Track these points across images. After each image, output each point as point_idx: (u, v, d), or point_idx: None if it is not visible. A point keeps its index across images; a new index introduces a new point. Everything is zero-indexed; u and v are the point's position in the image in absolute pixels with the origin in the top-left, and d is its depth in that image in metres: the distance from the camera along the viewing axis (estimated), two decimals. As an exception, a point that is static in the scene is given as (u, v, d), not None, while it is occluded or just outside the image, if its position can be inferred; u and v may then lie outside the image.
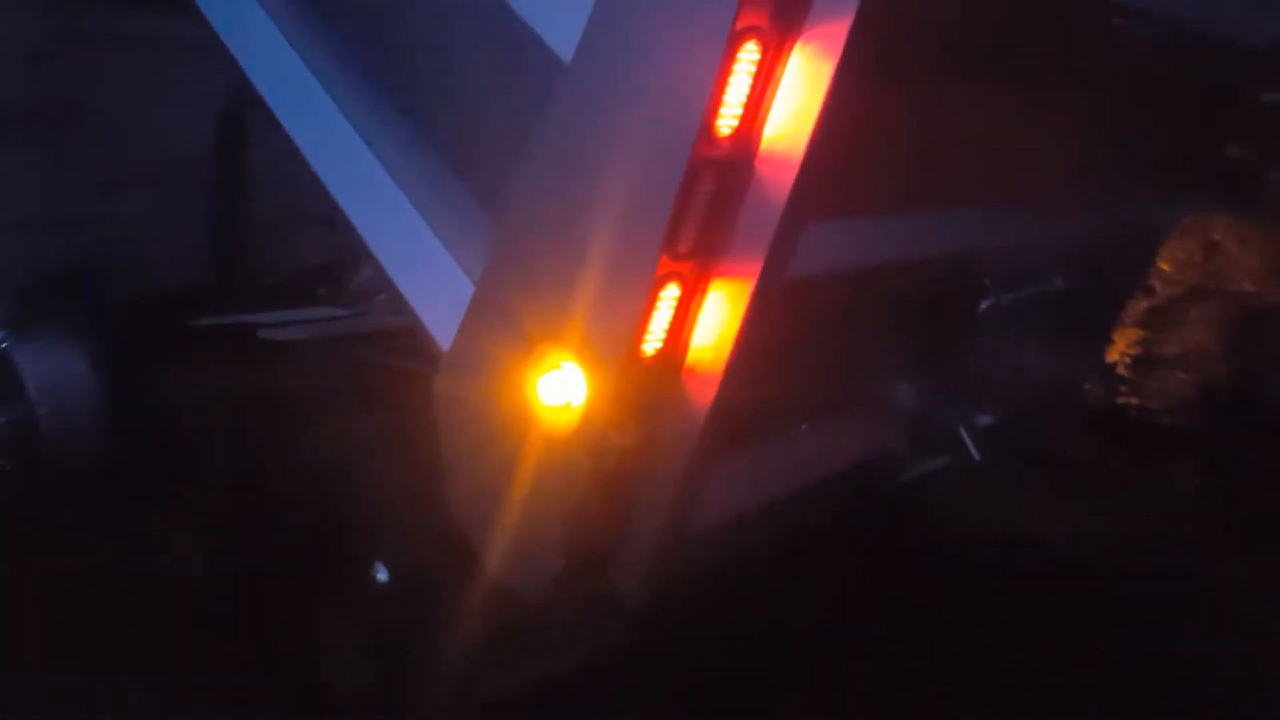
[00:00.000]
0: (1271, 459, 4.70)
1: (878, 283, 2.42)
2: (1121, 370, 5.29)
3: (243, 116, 4.70)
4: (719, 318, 2.03)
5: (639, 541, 2.21)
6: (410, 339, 3.27)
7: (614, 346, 2.02)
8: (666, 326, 2.03)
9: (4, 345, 4.06)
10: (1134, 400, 5.30)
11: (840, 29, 1.72)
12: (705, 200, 1.90)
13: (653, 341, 2.03)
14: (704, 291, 2.02)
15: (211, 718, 3.05)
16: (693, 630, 2.76)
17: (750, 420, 2.22)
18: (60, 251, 4.39)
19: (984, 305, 2.84)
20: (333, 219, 5.20)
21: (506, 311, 2.19)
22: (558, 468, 2.13)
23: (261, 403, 3.42)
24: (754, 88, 1.81)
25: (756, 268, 1.94)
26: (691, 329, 2.05)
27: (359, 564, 2.85)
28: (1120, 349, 5.13)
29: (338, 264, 5.40)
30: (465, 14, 2.25)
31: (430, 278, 2.45)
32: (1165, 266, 5.15)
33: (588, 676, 2.63)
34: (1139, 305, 5.11)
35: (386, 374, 3.17)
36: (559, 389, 2.11)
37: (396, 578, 2.71)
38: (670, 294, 1.99)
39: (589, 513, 2.14)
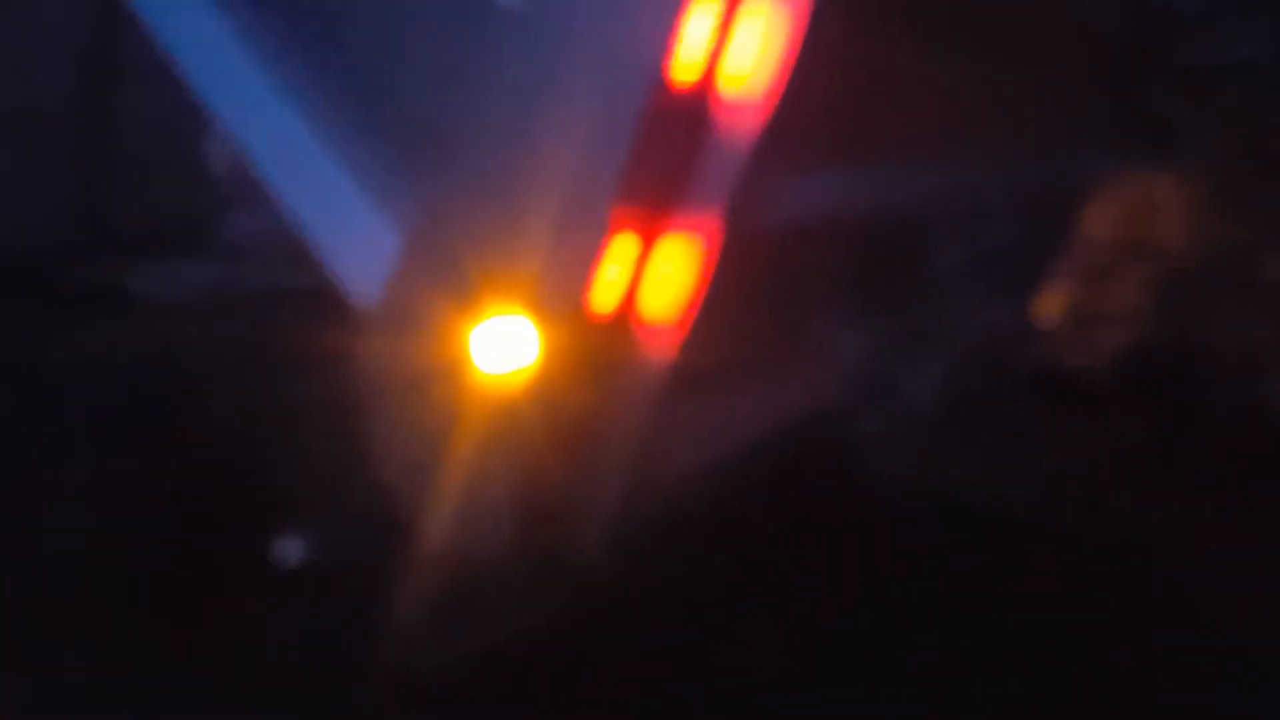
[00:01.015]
0: (1200, 410, 5.10)
1: (833, 237, 2.57)
2: (1057, 327, 5.63)
3: (104, 59, 4.60)
4: (676, 271, 2.15)
5: (592, 500, 2.32)
6: (307, 298, 3.31)
7: (566, 301, 2.12)
8: (621, 279, 2.14)
9: None
10: (1071, 359, 5.66)
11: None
12: (661, 148, 2.01)
13: (607, 294, 2.14)
14: (659, 243, 2.13)
15: (118, 698, 3.04)
16: (644, 589, 2.90)
17: (706, 374, 2.35)
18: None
19: (934, 261, 3.03)
20: (208, 164, 5.17)
21: (442, 266, 2.26)
22: (503, 428, 2.23)
23: (149, 370, 3.38)
24: (715, 30, 1.92)
25: (715, 219, 2.06)
26: (648, 282, 2.16)
27: (275, 541, 2.90)
28: (1056, 306, 5.47)
29: (205, 214, 5.34)
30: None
31: (351, 229, 2.49)
32: (1098, 226, 5.49)
33: (539, 640, 2.74)
34: (1073, 263, 5.44)
35: (282, 335, 3.19)
36: (506, 345, 2.20)
37: (320, 551, 2.77)
38: (624, 245, 2.10)
39: (540, 472, 2.25)
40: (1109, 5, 2.94)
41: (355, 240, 2.47)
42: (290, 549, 2.86)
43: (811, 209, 2.40)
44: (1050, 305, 5.34)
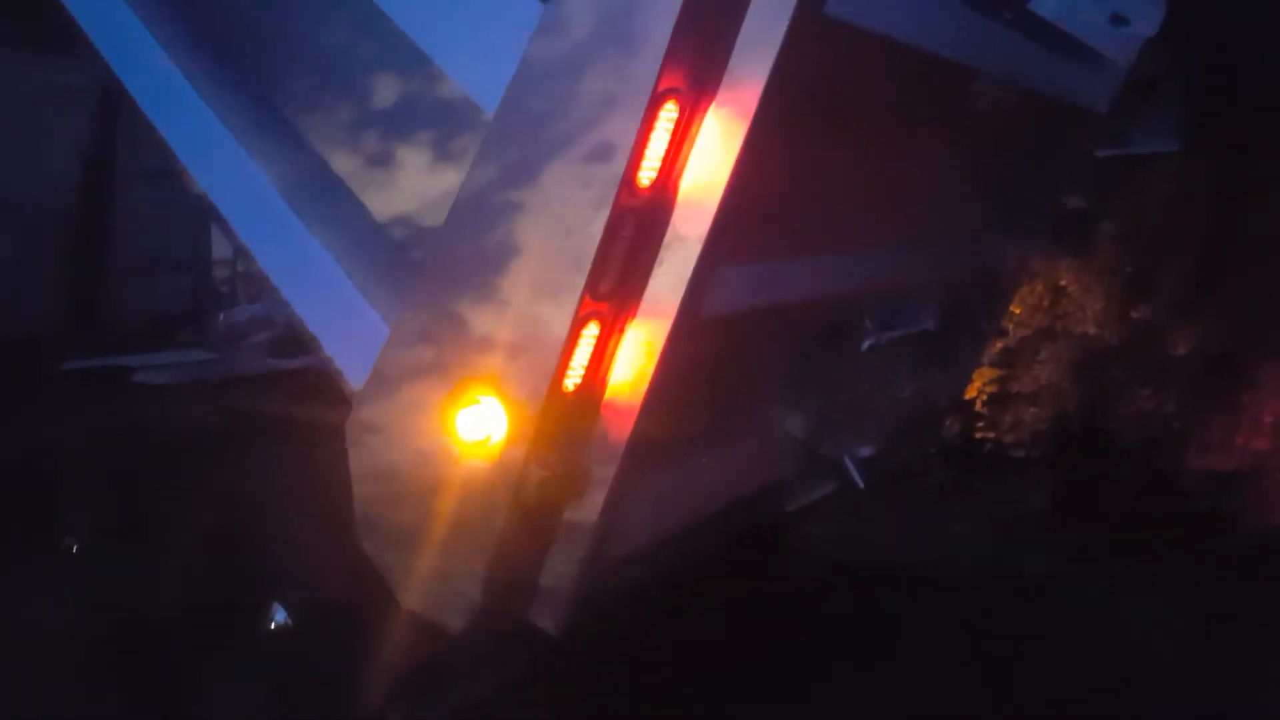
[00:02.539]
0: (1109, 482, 5.23)
1: (779, 322, 2.66)
2: (979, 405, 5.76)
3: (106, 162, 4.65)
4: (636, 355, 2.20)
5: (558, 572, 2.34)
6: (295, 381, 3.32)
7: (535, 382, 2.16)
8: (586, 363, 2.19)
9: None
10: (990, 433, 5.78)
11: (752, 93, 1.96)
12: (626, 245, 2.08)
13: (573, 377, 2.19)
14: (622, 330, 2.19)
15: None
16: (603, 653, 2.90)
17: (663, 451, 2.40)
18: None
19: (865, 343, 3.12)
20: (197, 265, 5.17)
21: (425, 350, 2.30)
22: (478, 501, 2.25)
23: (141, 446, 3.36)
24: (672, 143, 2.02)
25: (673, 308, 2.13)
26: (610, 365, 2.21)
27: (258, 607, 2.87)
28: (978, 385, 5.60)
29: (200, 309, 5.34)
30: (386, 63, 2.38)
31: (342, 317, 2.53)
32: (1017, 310, 5.66)
33: (503, 702, 2.72)
34: (994, 345, 5.59)
35: (275, 414, 3.20)
36: (479, 423, 2.23)
37: (301, 617, 2.74)
38: (591, 332, 2.16)
39: (509, 544, 2.26)
40: (1015, 102, 3.08)
41: (346, 327, 2.50)
42: (273, 615, 2.83)
43: (757, 297, 2.48)
44: (973, 385, 5.48)
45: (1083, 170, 4.38)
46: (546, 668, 2.65)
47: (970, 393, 5.49)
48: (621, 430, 2.24)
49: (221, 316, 4.83)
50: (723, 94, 2.00)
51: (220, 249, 4.92)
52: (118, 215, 4.68)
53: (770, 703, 3.32)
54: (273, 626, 2.86)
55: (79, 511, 3.48)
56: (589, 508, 2.28)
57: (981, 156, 3.21)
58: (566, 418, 2.21)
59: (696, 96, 2.00)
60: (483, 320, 2.19)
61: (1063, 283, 5.68)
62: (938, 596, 4.07)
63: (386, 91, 2.42)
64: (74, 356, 4.09)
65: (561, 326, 2.11)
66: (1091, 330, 5.61)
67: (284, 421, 3.09)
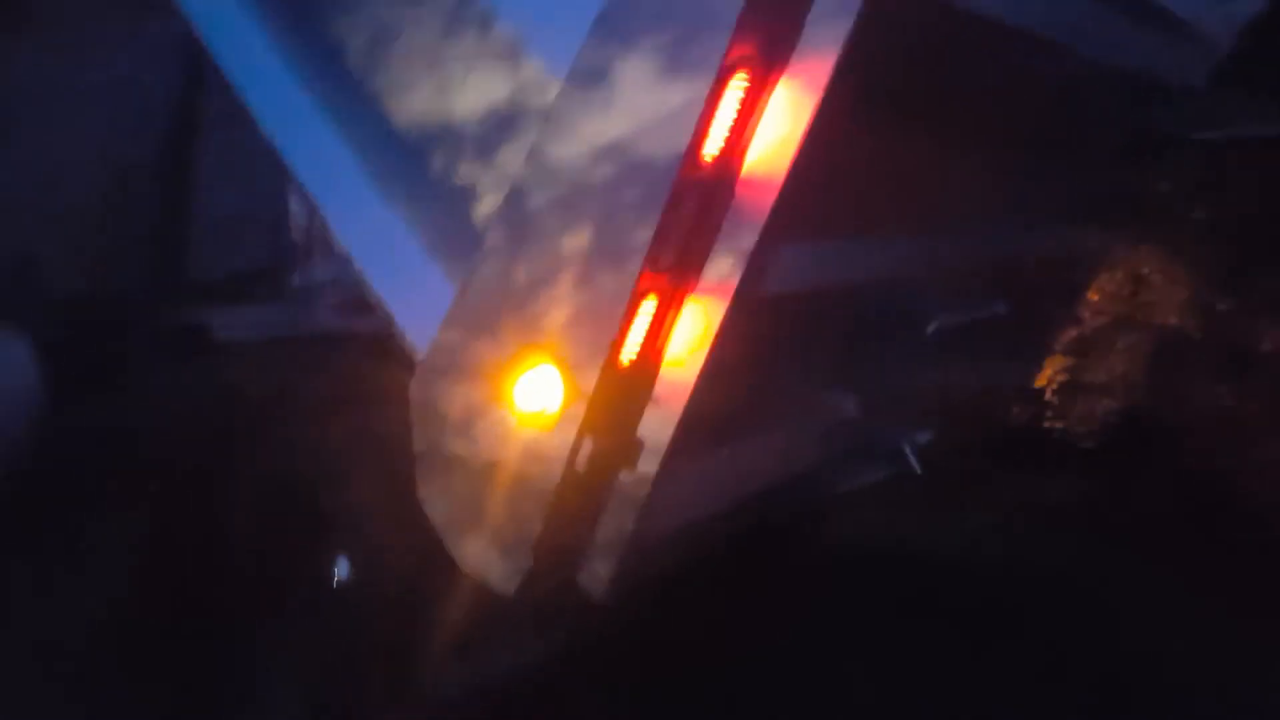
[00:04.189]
0: (1187, 485, 5.03)
1: (840, 302, 2.61)
2: (1049, 395, 5.59)
3: (194, 117, 4.75)
4: (693, 330, 2.18)
5: (607, 541, 2.34)
6: (367, 342, 3.37)
7: (592, 354, 2.16)
8: (643, 337, 2.17)
9: (-58, 338, 4.02)
10: (1059, 424, 5.61)
11: (825, 65, 1.90)
12: (687, 219, 2.05)
13: (629, 350, 2.17)
14: (680, 305, 2.17)
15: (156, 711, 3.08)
16: (650, 625, 2.92)
17: (717, 427, 2.38)
18: (3, 244, 4.37)
19: (931, 326, 3.04)
20: (276, 221, 5.27)
21: (487, 317, 2.31)
22: (533, 469, 2.26)
23: (219, 402, 3.46)
24: (740, 115, 1.98)
25: (732, 284, 2.10)
26: (667, 340, 2.19)
27: (324, 560, 2.94)
28: (1049, 374, 5.43)
29: (277, 266, 5.46)
30: (460, 28, 2.38)
31: (409, 281, 2.56)
32: (1094, 297, 5.47)
33: (551, 667, 2.76)
34: (1068, 333, 5.41)
35: (344, 375, 3.26)
36: (536, 393, 2.24)
37: (362, 572, 2.80)
38: (649, 306, 2.14)
39: (562, 512, 2.27)
40: (1102, 81, 2.95)
41: (414, 292, 2.53)
42: (337, 569, 2.90)
43: (819, 276, 2.43)
44: (1035, 372, 5.32)
45: (1174, 154, 4.20)
46: (594, 635, 2.67)
47: (1040, 381, 5.34)
48: (676, 404, 2.22)
49: (297, 275, 4.94)
50: (794, 65, 1.95)
51: (297, 208, 5.01)
52: (202, 171, 4.78)
53: (808, 681, 3.31)
54: (335, 581, 2.93)
55: (157, 463, 3.60)
56: (641, 480, 2.27)
57: (1063, 137, 3.09)
58: (622, 390, 2.20)
59: (767, 68, 1.95)
60: (543, 290, 2.19)
61: (1145, 271, 5.47)
62: (985, 589, 3.98)
63: (458, 57, 2.42)
64: (158, 311, 4.23)
65: (620, 299, 2.10)
66: (1173, 321, 5.39)
67: (352, 381, 3.14)
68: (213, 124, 4.76)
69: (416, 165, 2.54)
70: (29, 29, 4.34)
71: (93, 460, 3.80)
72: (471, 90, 2.42)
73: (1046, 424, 5.47)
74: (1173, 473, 5.00)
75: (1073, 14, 2.68)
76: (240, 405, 3.39)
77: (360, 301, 2.95)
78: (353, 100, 2.61)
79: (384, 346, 2.68)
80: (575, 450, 2.20)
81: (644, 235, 2.05)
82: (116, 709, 3.04)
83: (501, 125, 2.35)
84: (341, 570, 2.91)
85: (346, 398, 3.04)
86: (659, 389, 2.23)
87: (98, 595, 3.52)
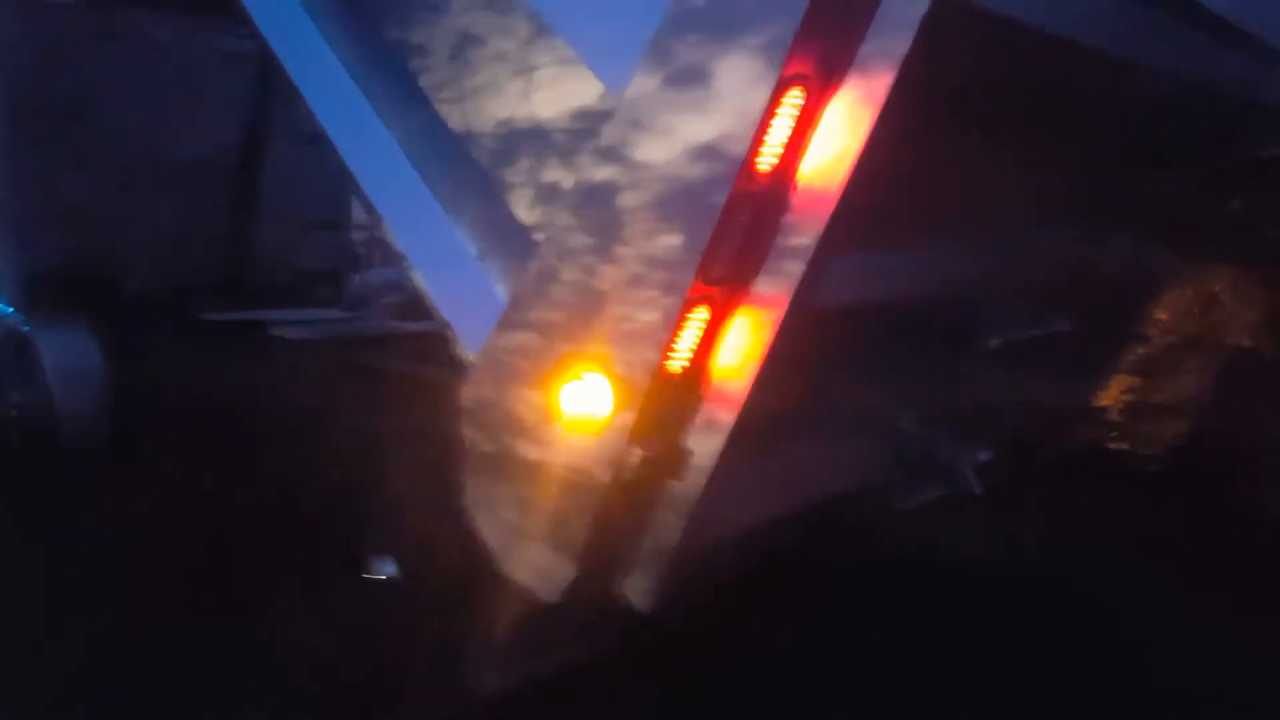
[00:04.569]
0: (1255, 511, 4.87)
1: (896, 315, 2.58)
2: (1114, 415, 5.45)
3: (264, 124, 4.88)
4: (744, 341, 2.17)
5: (652, 550, 2.34)
6: (418, 344, 3.42)
7: (642, 362, 2.16)
8: (693, 346, 2.17)
9: (25, 330, 4.19)
10: (1124, 445, 5.46)
11: (882, 82, 1.89)
12: (741, 231, 2.05)
13: (679, 360, 2.17)
14: (732, 316, 2.16)
15: (211, 704, 3.15)
16: (693, 635, 2.91)
17: (766, 439, 2.36)
18: (79, 243, 4.54)
19: (993, 342, 2.99)
20: (339, 225, 5.36)
21: (538, 324, 2.34)
22: (579, 476, 2.27)
23: (272, 397, 3.54)
24: (795, 130, 1.97)
25: (785, 297, 2.08)
26: (718, 350, 2.19)
27: (368, 558, 2.98)
28: (1115, 393, 5.30)
29: (339, 269, 5.58)
30: (518, 44, 2.41)
31: (463, 286, 2.59)
32: (1164, 316, 5.32)
33: (590, 673, 2.76)
34: (1135, 352, 5.27)
35: (394, 377, 3.31)
36: (585, 400, 2.25)
37: (406, 571, 2.84)
38: (700, 316, 2.14)
39: (607, 520, 2.28)
40: (1182, 97, 2.87)
41: (467, 296, 2.57)
42: (381, 565, 2.94)
43: (873, 289, 2.41)
44: (1100, 391, 5.19)
45: (1248, 172, 4.07)
46: (635, 643, 2.66)
47: (1105, 401, 5.21)
48: (726, 415, 2.21)
49: (356, 278, 5.04)
50: (850, 81, 1.94)
51: (359, 213, 5.12)
52: (270, 176, 4.91)
53: (849, 696, 3.27)
54: (379, 578, 2.97)
55: (212, 455, 3.70)
56: (688, 489, 2.27)
57: (1131, 155, 3.01)
58: (671, 399, 2.20)
59: (823, 83, 1.94)
60: (593, 299, 2.20)
61: (1216, 289, 5.31)
62: (1036, 613, 3.90)
63: (518, 67, 2.45)
64: (221, 308, 4.35)
65: (671, 309, 2.11)
66: (1245, 343, 5.23)
67: (405, 383, 3.19)
68: (280, 132, 4.89)
69: (473, 172, 2.58)
70: (113, 40, 4.51)
71: (151, 450, 3.92)
72: (530, 100, 2.45)
73: (1109, 445, 5.33)
74: (1246, 503, 4.84)
75: (1139, 30, 2.61)
76: (296, 401, 3.45)
77: (415, 305, 3.00)
78: (412, 107, 2.66)
79: (437, 350, 2.71)
80: (623, 458, 2.21)
81: (697, 246, 2.05)
82: (160, 687, 3.13)
83: (557, 137, 2.37)
84: (386, 568, 2.95)
85: (398, 398, 3.09)
86: (709, 399, 2.23)
87: (144, 579, 3.62)
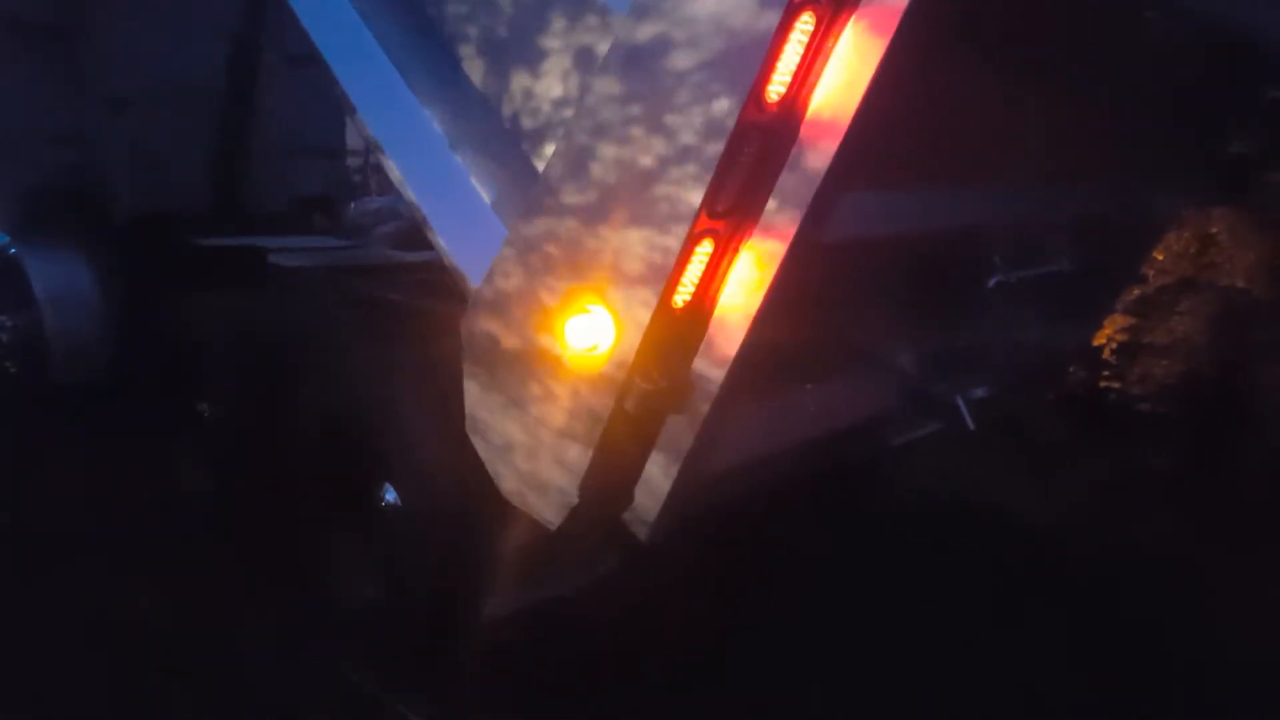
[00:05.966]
0: (1245, 452, 4.93)
1: (898, 252, 2.58)
2: (1107, 354, 5.50)
3: (255, 46, 4.77)
4: (748, 275, 2.17)
5: (654, 481, 2.37)
6: (418, 274, 3.40)
7: (645, 296, 2.16)
8: (697, 280, 2.17)
9: (11, 252, 4.14)
10: (1115, 384, 5.52)
11: (894, 10, 1.85)
12: (747, 163, 2.03)
13: (683, 293, 2.17)
14: (737, 250, 2.15)
15: (217, 629, 3.21)
16: (690, 564, 2.96)
17: (767, 374, 2.38)
18: (67, 164, 4.47)
19: (992, 281, 3.00)
20: (335, 152, 5.28)
21: (540, 255, 2.33)
22: (581, 408, 2.29)
23: (270, 329, 3.52)
24: (805, 58, 1.94)
25: (791, 231, 2.08)
26: (722, 284, 2.19)
27: (371, 486, 3.01)
28: (1108, 334, 5.33)
29: (334, 196, 5.51)
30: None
31: (464, 215, 2.57)
32: (1160, 256, 5.33)
33: (589, 600, 2.81)
34: (1131, 292, 5.29)
35: (394, 307, 3.29)
36: (588, 332, 2.25)
37: (408, 499, 2.86)
38: (704, 250, 2.13)
39: (608, 451, 2.30)
40: (1187, 40, 2.84)
41: (468, 225, 2.55)
42: (383, 494, 2.97)
43: (879, 225, 2.40)
44: (1103, 332, 5.21)
45: (1251, 113, 4.04)
46: (635, 572, 2.71)
47: (1099, 340, 5.25)
48: (728, 350, 2.22)
49: (353, 205, 4.99)
50: (863, 7, 1.91)
51: (355, 139, 5.04)
52: (262, 99, 4.82)
53: (847, 628, 3.34)
54: (382, 505, 3.00)
55: (209, 384, 3.69)
56: (690, 422, 2.29)
57: (1137, 93, 2.98)
58: (674, 333, 2.20)
59: (835, 9, 1.91)
60: (597, 230, 2.19)
61: (1213, 231, 5.31)
62: (1027, 551, 3.97)
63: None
64: (214, 235, 4.30)
65: (675, 242, 2.10)
66: (1239, 284, 5.25)
67: (404, 313, 3.18)
68: (273, 55, 4.79)
69: (476, 102, 2.55)
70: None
71: (145, 380, 3.91)
72: (531, 23, 2.41)
73: (1104, 384, 5.39)
74: (1235, 444, 4.90)
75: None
76: (292, 333, 3.44)
77: (414, 234, 2.98)
78: (418, 38, 2.61)
79: (438, 280, 2.71)
80: (625, 390, 2.22)
81: (702, 178, 2.04)
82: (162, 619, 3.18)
83: (561, 66, 2.34)
84: (388, 496, 2.98)
85: (397, 329, 3.08)
86: (712, 333, 2.23)
87: (149, 505, 3.65)
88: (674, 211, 2.09)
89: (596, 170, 2.20)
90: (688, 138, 2.04)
